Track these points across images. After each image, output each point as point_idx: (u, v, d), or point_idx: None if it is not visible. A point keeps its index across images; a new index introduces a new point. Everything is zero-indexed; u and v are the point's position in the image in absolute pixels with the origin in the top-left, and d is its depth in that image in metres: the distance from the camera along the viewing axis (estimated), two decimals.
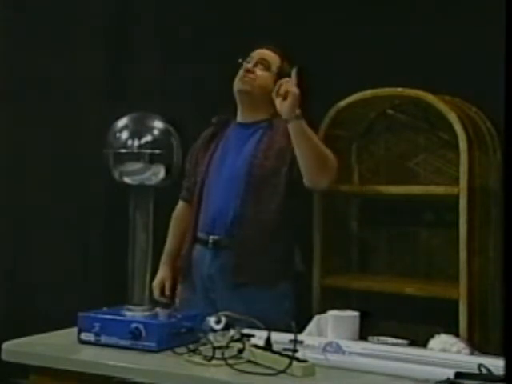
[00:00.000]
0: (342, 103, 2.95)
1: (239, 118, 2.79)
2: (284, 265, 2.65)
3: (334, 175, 2.61)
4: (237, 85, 2.74)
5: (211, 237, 2.65)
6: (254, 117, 2.74)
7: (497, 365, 1.61)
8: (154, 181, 2.12)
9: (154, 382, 1.83)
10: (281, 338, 1.89)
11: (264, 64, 2.75)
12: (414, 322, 2.92)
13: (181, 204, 2.90)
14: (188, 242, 2.74)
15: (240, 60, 2.77)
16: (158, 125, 2.11)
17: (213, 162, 2.74)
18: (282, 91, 2.46)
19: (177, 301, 2.75)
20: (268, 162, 2.63)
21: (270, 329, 1.90)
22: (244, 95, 2.73)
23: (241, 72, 2.75)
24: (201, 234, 2.69)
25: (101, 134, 2.15)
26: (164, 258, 2.83)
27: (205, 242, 2.67)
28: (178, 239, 2.84)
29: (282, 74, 2.71)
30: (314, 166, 2.54)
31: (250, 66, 2.73)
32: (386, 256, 3.17)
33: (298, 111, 2.47)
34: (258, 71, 2.73)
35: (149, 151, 2.07)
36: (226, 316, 1.96)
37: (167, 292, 2.79)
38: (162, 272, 2.81)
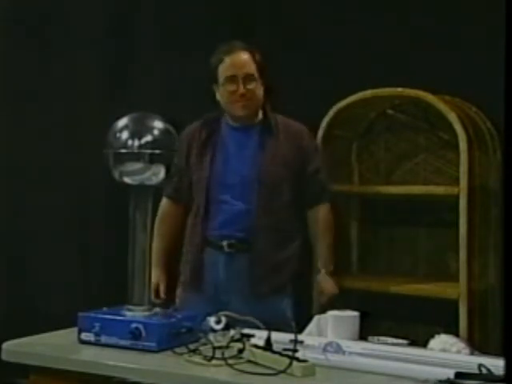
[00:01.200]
0: (342, 103, 2.95)
1: (231, 122, 2.74)
2: (294, 267, 2.67)
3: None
4: (236, 111, 2.67)
5: (225, 241, 2.64)
6: (248, 122, 2.72)
7: (497, 365, 1.61)
8: (154, 181, 2.12)
9: (154, 382, 1.83)
10: (281, 338, 1.89)
11: (249, 76, 2.65)
12: (414, 322, 2.92)
13: (166, 202, 2.82)
14: (196, 246, 2.71)
15: (225, 82, 2.66)
16: (158, 125, 2.11)
17: (215, 168, 2.69)
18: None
19: (177, 301, 2.75)
20: (275, 169, 2.64)
21: (270, 329, 1.89)
22: (244, 118, 2.71)
23: (230, 96, 2.65)
24: (212, 238, 2.68)
25: (101, 134, 2.15)
26: (155, 260, 2.64)
27: (218, 247, 2.66)
28: (167, 239, 2.80)
29: (260, 68, 2.67)
30: None
31: (242, 91, 2.63)
32: (386, 256, 3.17)
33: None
34: (249, 86, 2.64)
35: (149, 151, 2.06)
36: (226, 316, 1.96)
37: (162, 295, 2.74)
38: (155, 274, 2.70)
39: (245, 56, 2.67)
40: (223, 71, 2.66)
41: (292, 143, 2.67)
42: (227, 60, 2.67)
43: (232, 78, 2.64)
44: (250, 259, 2.62)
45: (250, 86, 2.65)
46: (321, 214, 2.73)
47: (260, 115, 2.73)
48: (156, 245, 2.70)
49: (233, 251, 2.64)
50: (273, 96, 2.76)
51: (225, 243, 2.64)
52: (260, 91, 2.69)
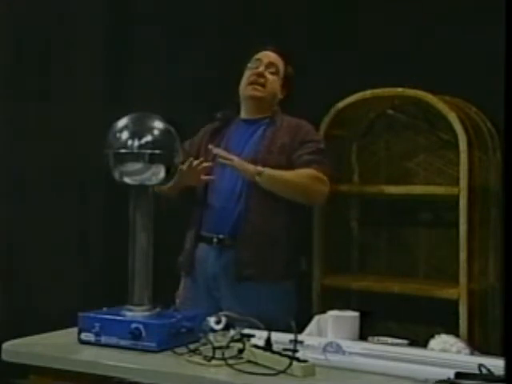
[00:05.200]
0: (342, 103, 2.95)
1: (243, 115, 2.80)
2: (286, 263, 2.66)
3: (324, 191, 2.64)
4: (247, 91, 2.75)
5: (216, 235, 2.65)
6: (258, 115, 2.76)
7: (497, 365, 1.61)
8: (153, 181, 2.12)
9: (154, 382, 1.83)
10: (281, 338, 1.89)
11: (273, 68, 2.77)
12: (414, 322, 2.92)
13: None
14: (191, 241, 2.73)
15: (250, 65, 2.77)
16: (158, 125, 2.11)
17: (216, 161, 2.73)
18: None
19: (177, 301, 2.75)
20: (271, 157, 2.64)
21: (270, 329, 1.89)
22: (254, 101, 2.75)
23: (249, 76, 2.75)
24: (205, 233, 2.69)
25: (101, 134, 2.15)
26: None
27: (209, 241, 2.67)
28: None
29: (287, 78, 2.76)
30: (299, 198, 2.65)
31: (261, 69, 2.75)
32: (386, 256, 3.17)
33: (258, 168, 2.55)
34: (268, 75, 2.75)
35: (149, 151, 2.06)
36: (226, 316, 1.96)
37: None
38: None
39: (277, 57, 2.80)
40: (252, 59, 2.80)
41: (291, 133, 2.70)
42: (259, 53, 2.82)
43: (257, 61, 2.78)
44: (239, 252, 2.61)
45: (269, 76, 2.75)
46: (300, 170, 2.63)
47: (270, 113, 2.76)
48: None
49: (222, 245, 2.64)
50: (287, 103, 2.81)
51: (215, 238, 2.65)
52: (277, 87, 2.77)
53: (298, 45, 3.14)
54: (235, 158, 2.58)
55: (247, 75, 2.78)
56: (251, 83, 2.74)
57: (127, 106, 2.31)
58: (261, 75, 2.74)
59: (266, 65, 2.77)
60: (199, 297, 2.67)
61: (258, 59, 2.79)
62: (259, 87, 2.74)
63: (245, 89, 2.76)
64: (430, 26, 2.98)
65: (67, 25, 3.78)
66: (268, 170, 2.58)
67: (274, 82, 2.76)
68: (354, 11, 3.14)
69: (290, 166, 2.65)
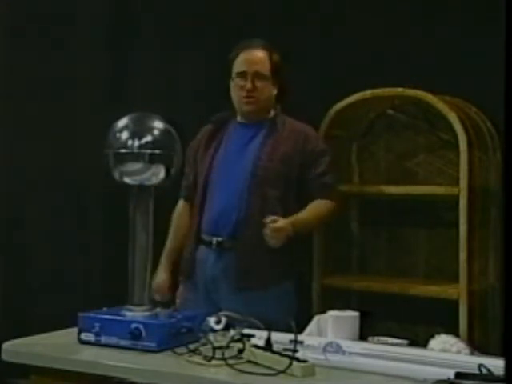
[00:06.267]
0: (342, 103, 2.95)
1: (240, 119, 2.78)
2: (286, 265, 2.66)
3: (334, 213, 2.74)
4: (241, 106, 2.70)
5: (215, 238, 2.65)
6: (256, 117, 2.73)
7: (497, 365, 1.61)
8: (154, 181, 2.12)
9: (154, 382, 1.83)
10: (281, 338, 1.89)
11: (260, 75, 2.68)
12: (414, 322, 2.92)
13: (181, 203, 2.88)
14: (191, 243, 2.73)
15: (235, 79, 2.70)
16: (158, 125, 2.11)
17: (215, 162, 2.72)
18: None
19: (177, 301, 2.75)
20: (272, 165, 2.63)
21: (270, 329, 1.89)
22: (250, 114, 2.72)
23: (239, 92, 2.68)
24: (204, 235, 2.69)
25: (101, 134, 2.15)
26: (164, 259, 2.80)
27: (208, 243, 2.67)
28: (179, 239, 2.82)
29: (276, 66, 2.70)
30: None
31: (249, 86, 2.66)
32: (386, 256, 3.17)
33: (287, 233, 2.54)
34: (258, 84, 2.67)
35: (149, 151, 2.07)
36: (226, 316, 1.96)
37: (167, 293, 2.77)
38: (163, 274, 2.78)
39: (260, 54, 2.70)
40: (236, 66, 2.70)
41: (295, 142, 2.67)
42: (241, 56, 2.71)
43: (242, 74, 2.68)
44: (239, 256, 2.61)
45: (259, 84, 2.67)
46: (317, 202, 2.67)
47: (270, 114, 2.74)
48: (168, 244, 2.83)
49: (221, 248, 2.64)
50: (286, 97, 2.76)
51: (214, 240, 2.65)
52: (270, 90, 2.70)
53: (297, 44, 3.15)
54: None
55: (236, 90, 2.69)
56: (243, 97, 2.68)
57: (127, 106, 2.31)
58: (251, 91, 2.66)
59: (252, 76, 2.66)
60: (198, 299, 2.67)
61: (242, 72, 2.68)
62: (252, 100, 2.67)
63: (238, 103, 2.71)
64: (429, 26, 2.98)
65: (67, 25, 3.78)
66: (296, 222, 2.57)
67: (265, 87, 2.68)
68: (354, 11, 3.14)
69: (290, 173, 2.65)
